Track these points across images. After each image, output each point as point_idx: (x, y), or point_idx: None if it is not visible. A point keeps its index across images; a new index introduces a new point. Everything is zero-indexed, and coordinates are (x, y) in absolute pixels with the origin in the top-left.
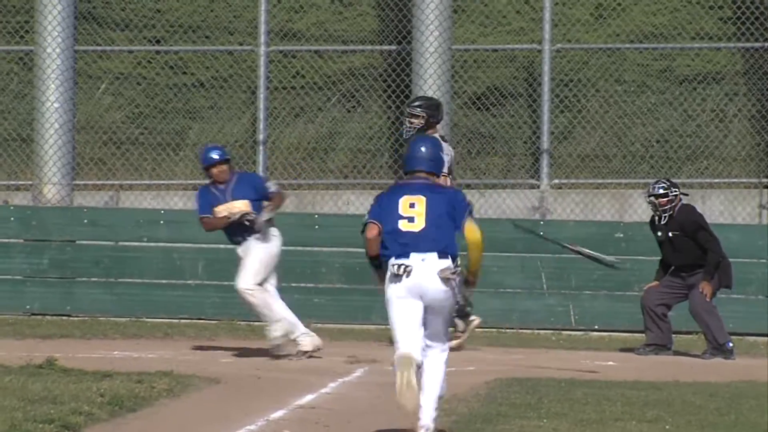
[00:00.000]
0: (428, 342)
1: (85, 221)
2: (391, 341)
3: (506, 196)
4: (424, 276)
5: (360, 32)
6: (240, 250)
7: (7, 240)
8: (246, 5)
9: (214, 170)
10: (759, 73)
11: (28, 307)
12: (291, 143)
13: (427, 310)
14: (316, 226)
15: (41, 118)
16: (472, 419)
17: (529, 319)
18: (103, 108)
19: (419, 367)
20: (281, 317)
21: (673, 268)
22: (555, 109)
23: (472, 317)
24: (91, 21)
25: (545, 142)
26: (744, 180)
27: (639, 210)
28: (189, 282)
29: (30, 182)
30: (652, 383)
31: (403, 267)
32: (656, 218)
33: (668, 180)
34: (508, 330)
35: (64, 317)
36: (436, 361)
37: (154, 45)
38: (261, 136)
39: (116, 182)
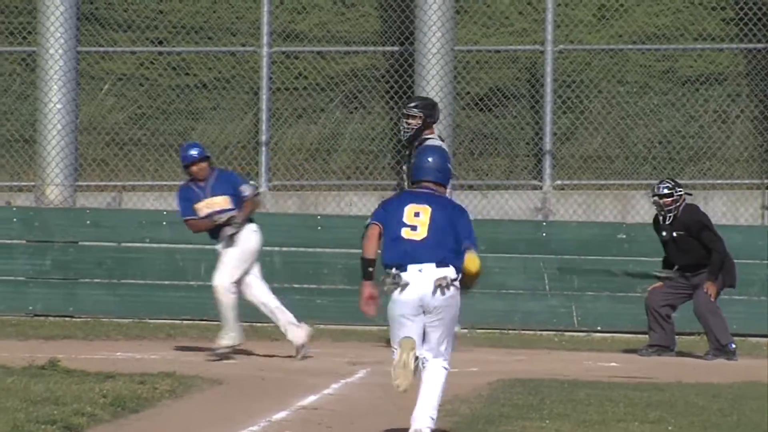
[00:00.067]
0: (428, 356)
1: (88, 222)
2: (388, 342)
3: (509, 197)
4: (420, 287)
5: (362, 33)
6: (219, 246)
7: (10, 241)
8: (248, 6)
9: (194, 168)
10: (762, 74)
11: (30, 308)
12: (293, 144)
13: (427, 322)
14: (319, 227)
15: (44, 119)
16: (474, 420)
17: (531, 320)
18: (106, 109)
19: (418, 368)
20: (236, 330)
21: (677, 267)
22: (557, 110)
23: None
24: (93, 22)
25: (548, 143)
26: (746, 181)
27: (641, 211)
28: (191, 283)
29: (33, 183)
30: (654, 384)
31: (398, 277)
32: (660, 218)
33: (673, 180)
34: (510, 331)
35: (66, 318)
36: (435, 374)
37: (156, 46)
38: (263, 137)
39: (119, 183)
